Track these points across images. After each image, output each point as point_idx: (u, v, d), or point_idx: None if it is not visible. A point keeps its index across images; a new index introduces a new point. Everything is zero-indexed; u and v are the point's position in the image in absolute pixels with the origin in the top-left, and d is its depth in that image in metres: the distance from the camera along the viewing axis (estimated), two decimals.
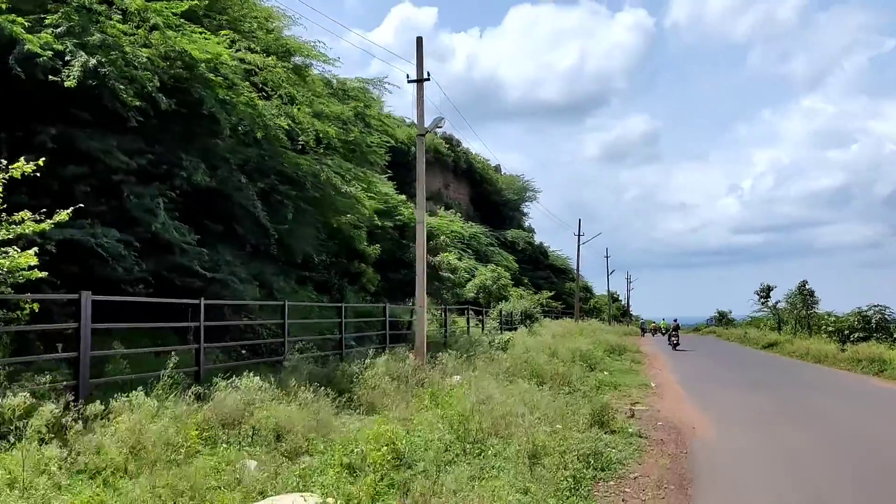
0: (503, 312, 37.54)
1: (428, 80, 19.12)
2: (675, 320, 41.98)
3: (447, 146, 67.19)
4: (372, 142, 23.66)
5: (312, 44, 20.28)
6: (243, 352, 15.09)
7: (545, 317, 46.63)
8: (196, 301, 12.48)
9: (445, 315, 28.62)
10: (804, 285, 43.94)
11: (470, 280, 41.43)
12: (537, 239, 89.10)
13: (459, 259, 47.65)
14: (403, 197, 34.85)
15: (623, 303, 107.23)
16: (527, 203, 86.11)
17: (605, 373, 22.08)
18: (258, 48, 16.33)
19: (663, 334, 70.82)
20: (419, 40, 19.39)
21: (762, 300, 51.95)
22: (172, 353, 10.73)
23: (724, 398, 17.19)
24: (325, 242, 23.79)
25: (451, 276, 32.18)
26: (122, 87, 11.84)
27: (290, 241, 19.26)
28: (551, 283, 73.66)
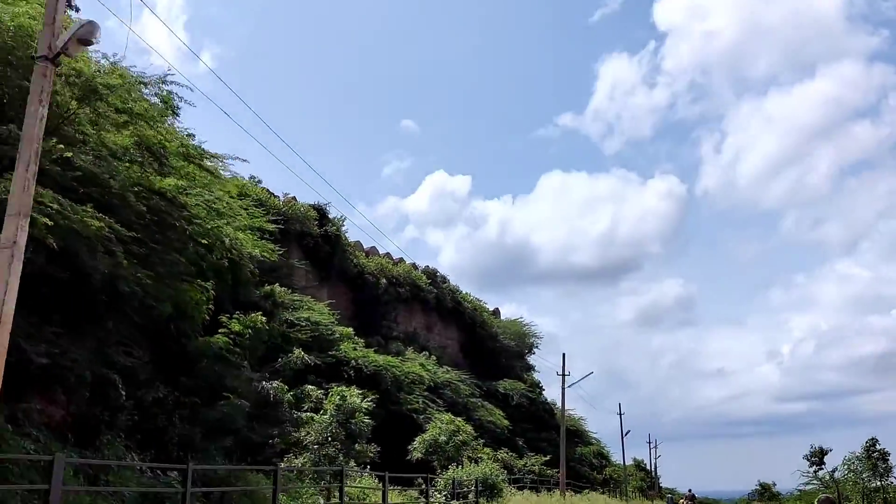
0: (455, 481, 26.51)
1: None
2: (689, 490, 30.34)
3: (429, 281, 57.81)
4: None
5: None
6: None
7: (523, 487, 35.17)
8: None
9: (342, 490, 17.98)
10: (873, 445, 32.35)
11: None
12: (548, 395, 77.74)
13: (423, 410, 37.01)
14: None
15: (651, 471, 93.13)
16: (534, 353, 75.35)
17: None
18: None
19: None
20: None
21: (814, 467, 39.74)
22: None
23: None
24: None
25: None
26: None
27: None
28: (556, 446, 61.55)
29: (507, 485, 27.50)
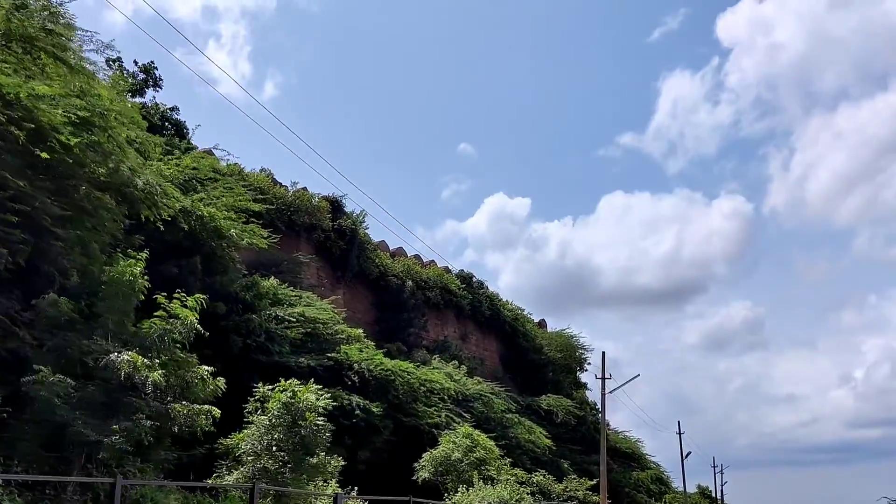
0: None
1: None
2: None
3: (463, 286, 52.66)
4: None
5: None
6: None
7: None
8: None
9: None
10: None
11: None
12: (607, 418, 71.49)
13: (445, 424, 31.90)
14: None
15: (717, 499, 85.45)
16: (586, 370, 69.30)
17: None
18: None
19: None
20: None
21: None
22: None
23: None
24: None
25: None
26: None
27: None
28: (608, 470, 55.39)
29: None
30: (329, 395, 18.64)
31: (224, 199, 26.92)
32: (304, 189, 39.63)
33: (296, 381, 17.73)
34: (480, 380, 42.75)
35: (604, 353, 31.53)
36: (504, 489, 21.58)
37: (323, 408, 17.76)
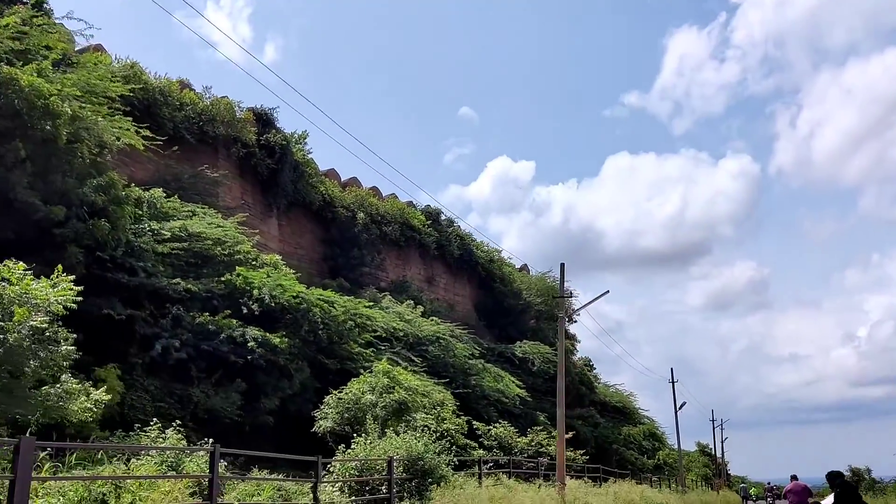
0: (364, 463, 15.57)
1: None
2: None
3: (428, 222, 46.72)
4: None
5: None
6: None
7: (515, 473, 23.99)
8: None
9: None
10: None
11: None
12: (599, 373, 65.90)
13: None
14: None
15: (717, 457, 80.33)
16: (575, 321, 63.63)
17: None
18: None
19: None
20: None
21: None
22: None
23: None
24: None
25: None
26: None
27: None
28: (594, 424, 50.09)
29: (449, 468, 16.44)
30: (72, 287, 12.16)
31: (72, 77, 20.96)
32: (226, 97, 33.53)
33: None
34: (438, 320, 37.03)
35: (562, 264, 25.74)
36: (417, 440, 15.96)
37: (64, 304, 11.84)
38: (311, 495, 13.24)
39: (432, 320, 36.20)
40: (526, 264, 62.11)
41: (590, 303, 28.68)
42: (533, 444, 29.75)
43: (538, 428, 31.07)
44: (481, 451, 28.27)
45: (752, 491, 57.57)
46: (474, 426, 29.14)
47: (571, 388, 52.99)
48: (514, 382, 38.59)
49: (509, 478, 22.99)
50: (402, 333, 31.99)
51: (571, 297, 27.11)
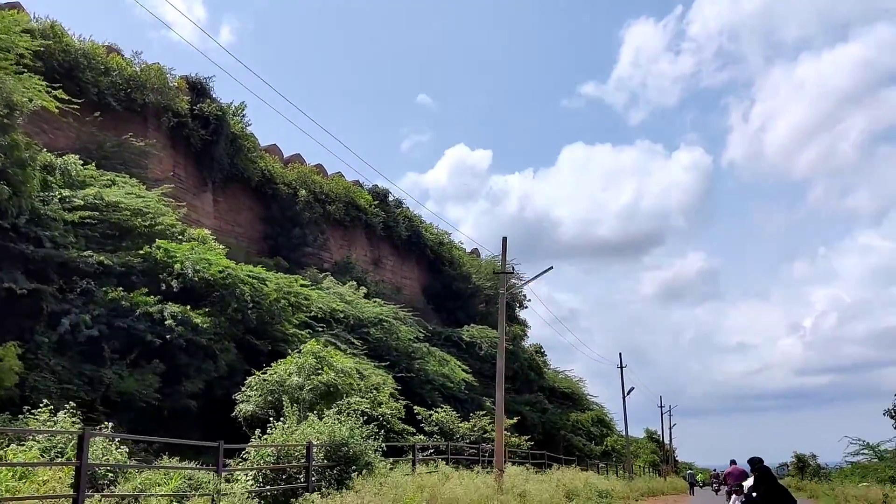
0: (281, 450, 14.23)
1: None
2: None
3: (375, 202, 45.28)
4: None
5: None
6: None
7: (454, 461, 22.90)
8: None
9: None
10: None
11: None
12: (551, 360, 65.20)
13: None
14: None
15: (665, 443, 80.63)
16: (525, 307, 62.90)
17: None
18: None
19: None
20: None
21: None
22: None
23: None
24: None
25: None
26: None
27: None
28: (542, 410, 49.35)
29: (377, 454, 15.21)
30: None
31: None
32: (158, 64, 31.62)
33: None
34: (381, 302, 35.71)
35: (504, 238, 24.58)
36: (342, 425, 14.70)
37: None
38: (212, 486, 11.85)
39: (375, 302, 34.89)
40: (477, 248, 61.07)
41: (533, 279, 27.74)
42: (476, 429, 28.69)
43: (482, 413, 30.00)
44: (421, 437, 27.13)
45: (699, 477, 57.70)
46: (415, 411, 27.99)
47: (520, 374, 52.28)
48: (460, 367, 37.54)
49: (448, 464, 21.88)
50: (342, 315, 30.63)
51: (514, 272, 25.91)
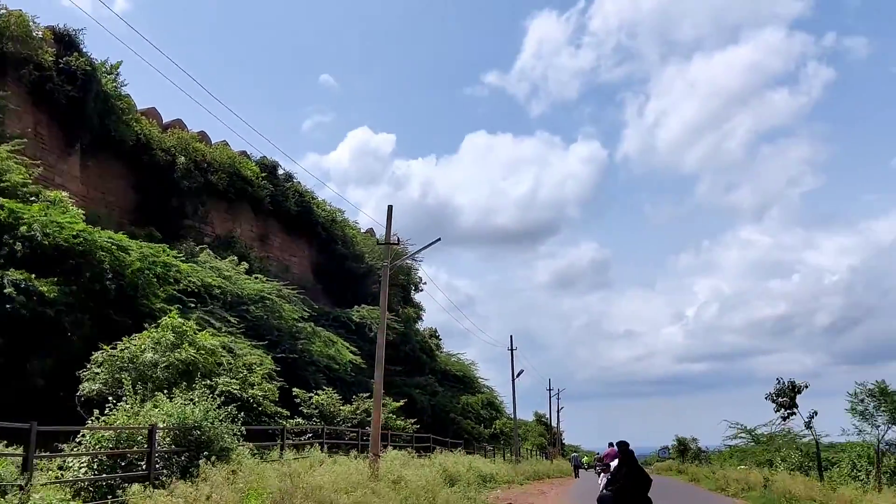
0: (120, 430, 12.57)
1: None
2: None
3: (263, 174, 43.16)
4: None
5: None
6: None
7: (331, 445, 21.67)
8: None
9: None
10: None
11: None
12: (447, 346, 64.52)
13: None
14: None
15: (556, 428, 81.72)
16: (421, 290, 61.97)
17: None
18: None
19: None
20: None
21: (782, 411, 27.50)
22: None
23: None
24: None
25: None
26: None
27: None
28: (433, 394, 48.67)
29: (236, 439, 13.78)
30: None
31: None
32: (18, 10, 28.65)
33: None
34: (263, 277, 33.93)
35: (390, 206, 23.55)
36: (195, 406, 13.18)
37: None
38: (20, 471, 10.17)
39: (256, 278, 33.06)
40: (372, 228, 59.59)
41: (420, 250, 27.90)
42: (359, 412, 27.51)
43: (366, 395, 28.79)
44: (300, 421, 25.74)
45: (585, 460, 58.44)
46: (294, 393, 26.53)
47: (412, 357, 51.39)
48: (347, 348, 36.19)
49: (324, 449, 20.61)
50: (218, 291, 28.75)
51: (399, 244, 24.89)
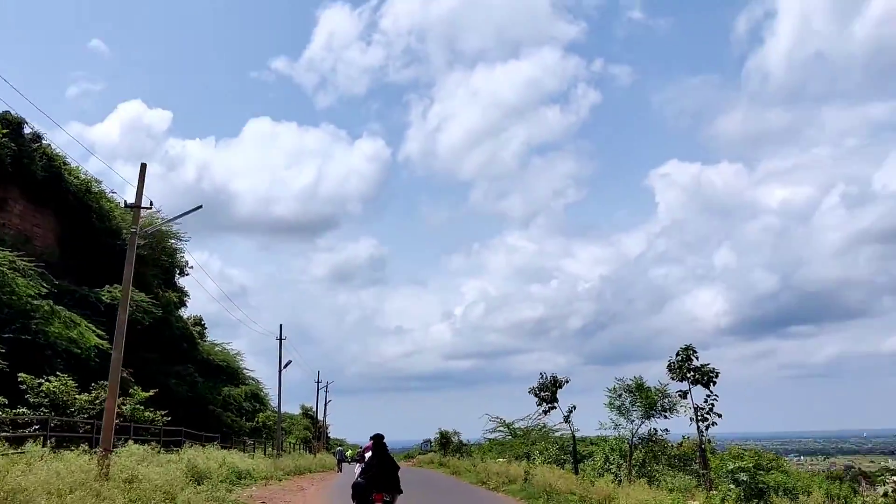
0: None
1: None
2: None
3: (4, 131, 37.82)
4: None
5: None
6: None
7: (54, 439, 18.96)
8: None
9: None
10: (689, 354, 21.44)
11: None
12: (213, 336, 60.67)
13: None
14: None
15: (322, 421, 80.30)
16: (187, 274, 57.83)
17: None
18: None
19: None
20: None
21: (543, 405, 28.34)
22: None
23: None
24: None
25: None
26: None
27: None
28: (193, 384, 45.58)
29: None
30: None
31: None
32: None
33: None
34: None
35: (143, 164, 21.26)
36: None
37: None
38: None
39: None
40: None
41: (175, 218, 25.24)
42: (98, 402, 24.56)
43: (104, 382, 25.82)
44: (24, 410, 22.42)
45: (349, 454, 57.85)
46: (19, 379, 23.10)
47: (171, 344, 47.77)
48: (93, 331, 32.59)
49: (48, 443, 17.87)
50: None
51: (151, 207, 22.52)
